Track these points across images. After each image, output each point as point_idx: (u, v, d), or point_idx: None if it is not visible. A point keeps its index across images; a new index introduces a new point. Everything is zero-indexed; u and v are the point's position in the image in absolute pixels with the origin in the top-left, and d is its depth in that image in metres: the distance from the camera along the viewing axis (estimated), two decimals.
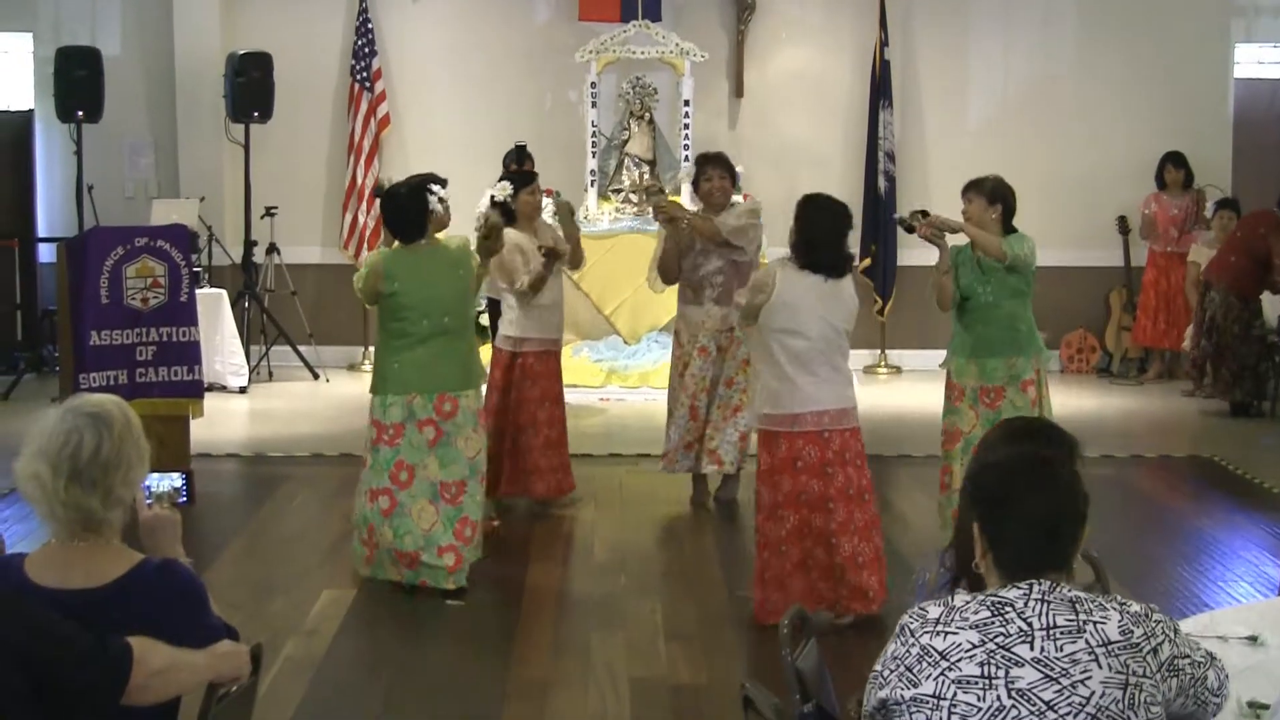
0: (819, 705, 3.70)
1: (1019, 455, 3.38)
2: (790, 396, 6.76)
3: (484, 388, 8.03)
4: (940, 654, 3.10)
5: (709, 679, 6.37)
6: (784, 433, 6.78)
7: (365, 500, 7.36)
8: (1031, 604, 3.10)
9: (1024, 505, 3.20)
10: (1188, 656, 3.16)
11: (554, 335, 9.02)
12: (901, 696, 3.13)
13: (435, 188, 7.35)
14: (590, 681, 6.35)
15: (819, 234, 6.82)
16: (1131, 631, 3.08)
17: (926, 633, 3.14)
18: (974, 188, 7.67)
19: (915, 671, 3.12)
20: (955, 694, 3.07)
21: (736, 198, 9.22)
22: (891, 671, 3.17)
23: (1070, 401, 12.81)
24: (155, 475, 3.67)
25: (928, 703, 3.09)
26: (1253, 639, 4.10)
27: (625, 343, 13.27)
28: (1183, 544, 8.40)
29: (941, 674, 3.09)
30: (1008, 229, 7.61)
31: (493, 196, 8.58)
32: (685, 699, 6.21)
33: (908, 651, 3.15)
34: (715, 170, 8.96)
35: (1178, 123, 14.25)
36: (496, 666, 6.52)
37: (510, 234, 8.29)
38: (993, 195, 7.60)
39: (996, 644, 3.07)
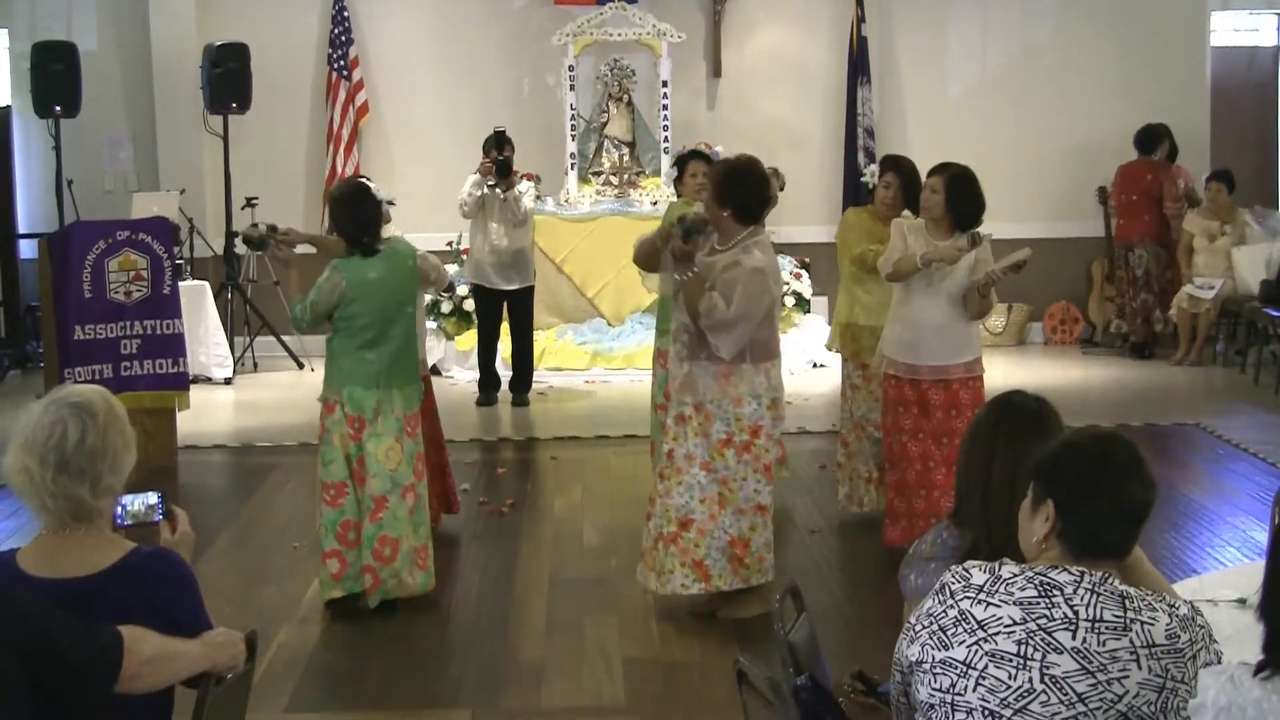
0: (812, 678, 3.71)
1: (1107, 441, 3.24)
2: None
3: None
4: (979, 623, 3.06)
5: (702, 657, 6.39)
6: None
7: None
8: (1081, 593, 3.03)
9: (1117, 491, 3.13)
10: (1216, 657, 3.11)
11: None
12: (931, 657, 3.10)
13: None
14: (584, 663, 6.37)
15: None
16: (1178, 636, 3.02)
17: (968, 598, 3.10)
18: None
19: (949, 634, 3.08)
20: (986, 665, 3.03)
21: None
22: (924, 628, 3.14)
23: (1055, 373, 12.88)
24: (128, 495, 3.61)
25: (956, 668, 3.06)
26: (1241, 601, 4.13)
27: (609, 325, 13.29)
28: (1170, 511, 8.43)
29: (977, 643, 3.04)
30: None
31: None
32: (679, 677, 6.24)
33: (944, 612, 3.11)
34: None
35: (1156, 92, 14.27)
36: (491, 650, 6.55)
37: None
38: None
39: (1038, 625, 3.01)
